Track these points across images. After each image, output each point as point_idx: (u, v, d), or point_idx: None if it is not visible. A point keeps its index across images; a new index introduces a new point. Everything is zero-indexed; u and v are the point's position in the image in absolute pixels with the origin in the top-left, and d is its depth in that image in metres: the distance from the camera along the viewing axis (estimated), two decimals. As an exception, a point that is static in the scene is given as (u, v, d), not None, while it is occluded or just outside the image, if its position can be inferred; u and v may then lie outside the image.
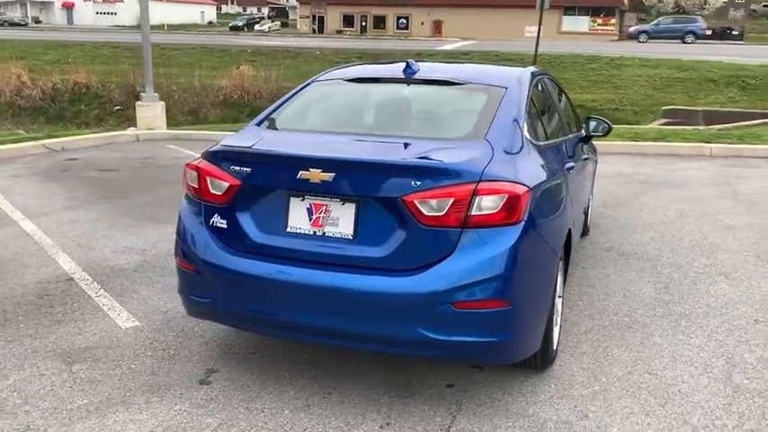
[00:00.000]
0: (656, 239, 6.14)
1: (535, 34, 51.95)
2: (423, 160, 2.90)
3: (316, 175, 2.92)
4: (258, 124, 3.64)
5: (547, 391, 3.41)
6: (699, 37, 39.64)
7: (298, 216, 3.05)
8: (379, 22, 59.02)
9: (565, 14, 51.83)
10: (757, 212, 7.15)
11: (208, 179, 3.20)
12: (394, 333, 2.90)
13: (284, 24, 71.72)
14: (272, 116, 3.69)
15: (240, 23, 67.05)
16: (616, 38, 51.25)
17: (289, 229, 3.07)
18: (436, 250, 2.85)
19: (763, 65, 21.82)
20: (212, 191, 3.19)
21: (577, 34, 49.41)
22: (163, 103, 12.75)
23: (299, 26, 64.98)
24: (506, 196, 2.84)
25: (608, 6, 53.18)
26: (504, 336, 2.94)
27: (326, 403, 3.26)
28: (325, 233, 3.01)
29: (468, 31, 51.72)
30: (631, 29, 45.43)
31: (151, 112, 12.19)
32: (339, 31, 58.13)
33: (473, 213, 2.82)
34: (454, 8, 55.13)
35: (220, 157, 3.21)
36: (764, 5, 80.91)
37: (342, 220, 2.98)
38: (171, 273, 5.05)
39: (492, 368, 3.61)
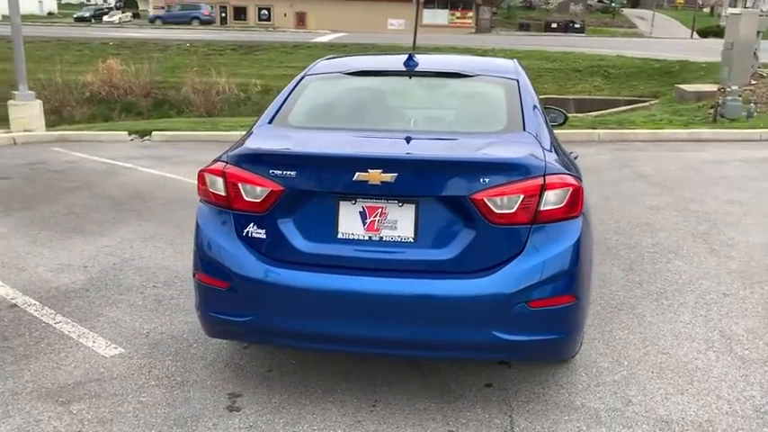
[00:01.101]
0: (595, 222, 6.41)
1: (398, 27, 52.98)
2: (491, 156, 2.80)
3: (375, 176, 2.72)
4: (270, 122, 3.34)
5: (582, 381, 3.45)
6: (203, 22, 47.89)
7: (349, 221, 2.83)
8: (240, 13, 57.37)
9: (425, 8, 53.18)
10: (668, 192, 7.71)
11: (240, 186, 2.88)
12: (466, 338, 2.78)
13: (136, 15, 67.58)
14: (283, 114, 3.40)
15: (86, 14, 62.24)
16: (473, 30, 53.46)
17: (340, 236, 2.84)
18: (506, 249, 2.77)
19: (620, 56, 23.67)
20: (246, 198, 2.88)
21: (438, 27, 50.91)
22: (40, 101, 11.56)
23: (153, 17, 61.56)
24: (570, 189, 2.82)
25: (465, 0, 55.29)
26: (567, 331, 2.92)
27: (377, 417, 3.08)
28: (382, 237, 2.82)
29: (332, 23, 51.63)
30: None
31: (28, 111, 10.98)
32: (198, 23, 55.79)
33: (542, 209, 2.76)
34: (316, 0, 54.83)
35: (256, 161, 2.90)
36: (599, 1, 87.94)
37: (400, 222, 2.81)
38: (130, 290, 4.58)
39: (518, 363, 3.59)
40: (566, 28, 59.58)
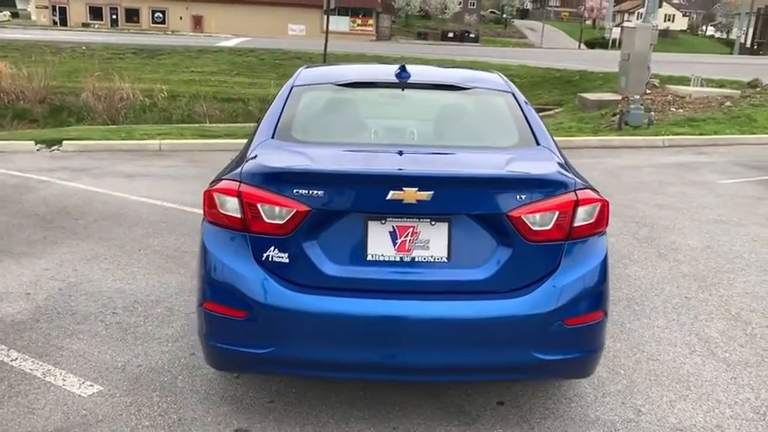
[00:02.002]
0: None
1: (298, 33, 52.80)
2: (528, 173, 2.74)
3: (410, 194, 2.59)
4: (273, 137, 3.12)
5: (587, 393, 3.46)
6: None
7: (379, 242, 2.69)
8: (132, 15, 54.97)
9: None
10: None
11: (259, 206, 2.66)
12: (505, 360, 2.70)
13: (15, 15, 63.26)
14: (283, 128, 3.18)
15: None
16: (374, 38, 53.92)
17: (369, 258, 2.69)
18: (542, 266, 2.72)
19: (522, 65, 24.59)
20: (267, 220, 2.66)
21: (339, 34, 50.93)
22: (-69, 108, 10.46)
23: (35, 17, 57.79)
24: (599, 205, 2.81)
25: (365, 8, 55.71)
26: (596, 348, 2.91)
27: (401, 445, 2.94)
28: (414, 258, 2.69)
29: (231, 27, 50.54)
30: None
31: None
32: (86, 25, 52.89)
33: (575, 225, 2.74)
34: (214, 4, 53.52)
35: (277, 180, 2.69)
36: (491, 12, 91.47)
37: (433, 242, 2.69)
38: (87, 318, 4.19)
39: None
40: (461, 37, 61.48)
